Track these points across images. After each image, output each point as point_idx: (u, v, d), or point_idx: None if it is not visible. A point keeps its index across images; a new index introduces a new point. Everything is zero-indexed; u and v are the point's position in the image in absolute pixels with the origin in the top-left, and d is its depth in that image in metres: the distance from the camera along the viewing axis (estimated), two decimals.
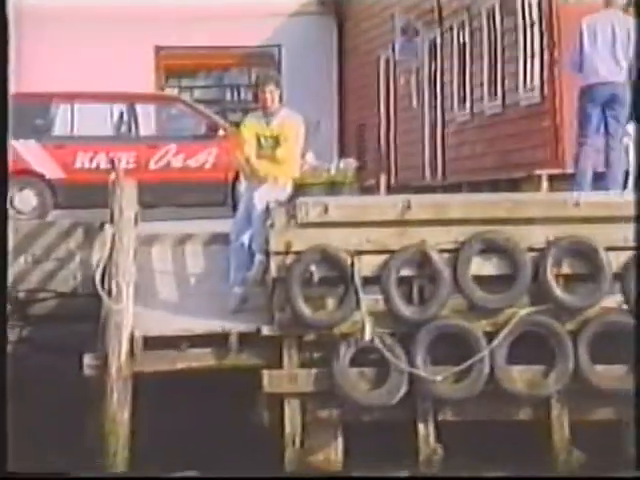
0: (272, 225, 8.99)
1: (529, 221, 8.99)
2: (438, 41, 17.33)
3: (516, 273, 8.93)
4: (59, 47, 19.16)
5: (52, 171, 13.81)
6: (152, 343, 8.90)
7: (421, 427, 8.90)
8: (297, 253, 8.90)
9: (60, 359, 9.51)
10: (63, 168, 13.79)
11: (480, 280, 8.95)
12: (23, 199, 13.71)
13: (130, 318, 8.90)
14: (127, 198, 8.95)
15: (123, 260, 8.86)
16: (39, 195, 13.75)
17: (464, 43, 16.42)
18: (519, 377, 8.90)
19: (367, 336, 8.82)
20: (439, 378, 8.81)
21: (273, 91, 9.48)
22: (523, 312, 8.90)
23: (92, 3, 19.54)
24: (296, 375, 8.86)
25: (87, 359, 8.87)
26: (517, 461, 8.72)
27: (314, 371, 8.89)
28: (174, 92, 20.69)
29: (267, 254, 9.09)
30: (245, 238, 9.37)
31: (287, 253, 8.90)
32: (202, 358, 8.91)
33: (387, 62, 19.09)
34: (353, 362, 8.87)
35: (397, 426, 8.88)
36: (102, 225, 9.13)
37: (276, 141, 9.45)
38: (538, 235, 8.94)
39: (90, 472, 8.58)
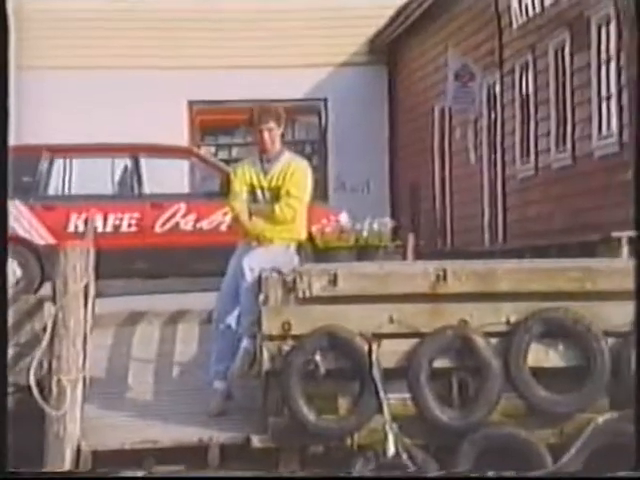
0: (265, 301, 6.92)
1: (606, 295, 7.00)
2: (497, 87, 15.42)
3: (590, 365, 6.97)
4: (77, 102, 17.50)
5: (40, 236, 11.90)
6: (106, 460, 6.84)
7: None
8: (297, 337, 6.95)
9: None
10: (53, 233, 11.85)
11: (541, 374, 6.99)
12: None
13: (76, 427, 6.82)
14: (73, 268, 6.88)
15: (67, 350, 6.78)
16: (23, 265, 11.82)
17: (527, 87, 14.50)
18: None
19: (391, 449, 6.86)
20: None
21: (273, 129, 7.44)
22: (601, 419, 6.94)
23: (114, 49, 17.92)
24: None
25: None
26: None
27: None
28: (211, 150, 18.96)
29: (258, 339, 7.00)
30: (232, 318, 7.26)
31: (284, 337, 6.96)
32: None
33: (442, 113, 17.24)
34: None
35: None
36: (40, 303, 7.08)
37: (275, 194, 7.36)
38: (618, 314, 6.96)
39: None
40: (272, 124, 7.44)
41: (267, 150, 7.47)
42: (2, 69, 6.28)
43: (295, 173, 7.42)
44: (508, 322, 6.98)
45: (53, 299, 6.92)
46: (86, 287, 6.98)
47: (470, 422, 6.95)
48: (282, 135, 7.56)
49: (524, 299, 7.00)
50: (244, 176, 7.48)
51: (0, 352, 6.24)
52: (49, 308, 6.84)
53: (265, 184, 7.43)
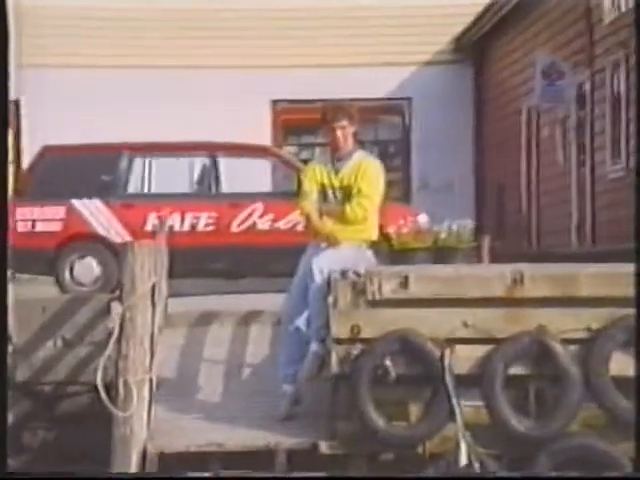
0: (334, 303, 6.70)
1: None
2: (587, 85, 14.97)
3: None
4: (155, 99, 17.49)
5: (118, 235, 11.84)
6: (172, 462, 6.68)
7: None
8: (367, 341, 6.69)
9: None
10: (131, 231, 11.79)
11: (624, 384, 6.60)
12: (84, 268, 11.75)
13: (143, 428, 6.67)
14: (141, 267, 6.74)
15: (134, 351, 6.64)
16: (102, 263, 11.77)
17: (618, 85, 14.04)
18: None
19: (463, 459, 6.57)
20: None
21: (346, 128, 7.22)
22: None
23: (204, 49, 17.88)
24: None
25: None
26: None
27: None
28: (293, 150, 18.83)
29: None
30: (301, 321, 7.06)
31: (354, 341, 6.69)
32: None
33: (529, 113, 16.81)
34: None
35: None
36: (109, 302, 6.96)
37: (346, 194, 7.15)
38: None
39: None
40: (345, 122, 7.22)
41: (339, 149, 7.27)
42: (2, 67, 6.12)
43: (367, 172, 7.20)
44: (589, 329, 6.63)
45: (120, 298, 6.81)
46: (155, 286, 6.84)
47: (548, 432, 6.61)
48: (355, 134, 7.35)
49: (607, 305, 6.64)
50: (315, 176, 7.28)
51: (0, 352, 6.10)
52: (116, 307, 6.71)
53: (336, 183, 7.22)
